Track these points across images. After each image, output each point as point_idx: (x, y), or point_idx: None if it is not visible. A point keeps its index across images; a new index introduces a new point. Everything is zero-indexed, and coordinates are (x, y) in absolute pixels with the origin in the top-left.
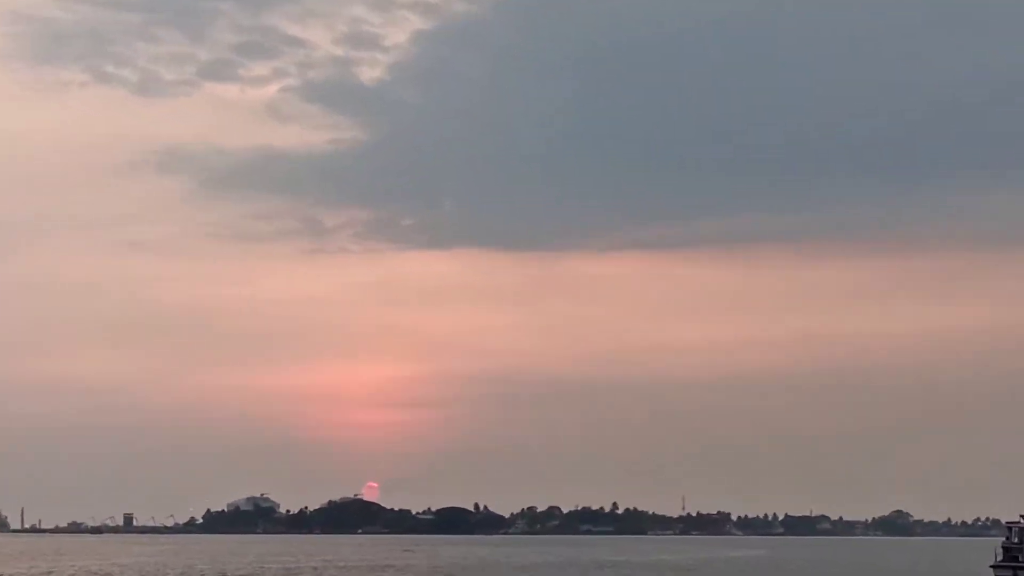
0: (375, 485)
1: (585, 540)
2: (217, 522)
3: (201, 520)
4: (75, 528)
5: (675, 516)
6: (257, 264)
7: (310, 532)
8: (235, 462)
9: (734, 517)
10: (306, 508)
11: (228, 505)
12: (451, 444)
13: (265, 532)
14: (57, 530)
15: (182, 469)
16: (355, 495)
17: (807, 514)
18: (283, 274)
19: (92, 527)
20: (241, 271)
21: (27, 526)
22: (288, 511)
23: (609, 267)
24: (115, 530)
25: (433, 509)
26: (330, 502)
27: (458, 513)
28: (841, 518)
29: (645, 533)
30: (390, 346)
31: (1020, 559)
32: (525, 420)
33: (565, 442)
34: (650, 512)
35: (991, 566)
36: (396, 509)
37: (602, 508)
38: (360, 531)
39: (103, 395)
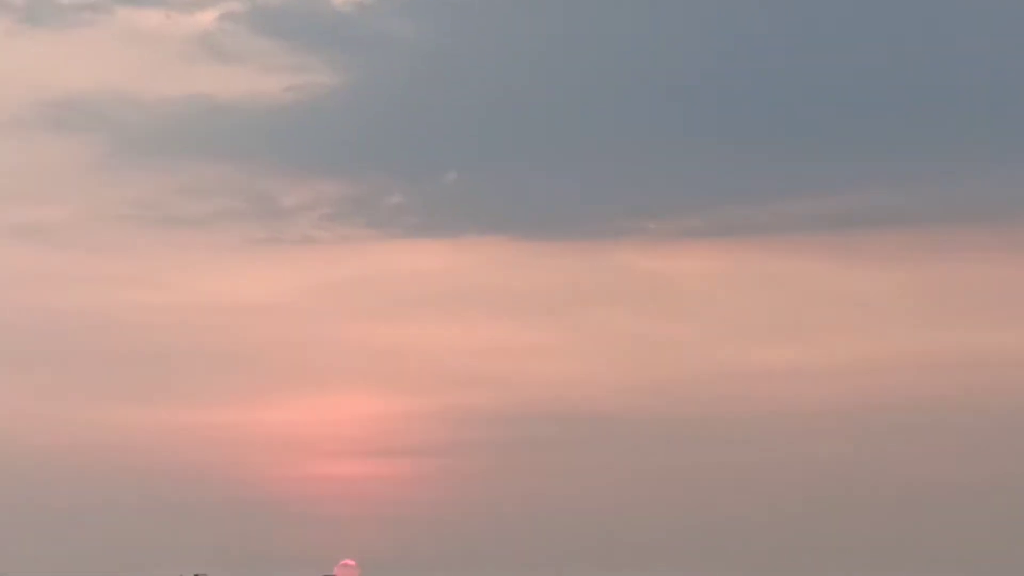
0: (352, 563)
1: None
2: None
3: None
4: None
5: None
6: (188, 258)
7: None
8: (152, 530)
9: None
10: None
11: None
12: (459, 507)
13: None
14: None
15: (73, 540)
16: None
17: None
18: (224, 272)
19: None
20: (166, 268)
21: None
22: None
23: (674, 262)
24: None
25: None
26: None
27: None
28: None
29: None
30: (372, 372)
31: None
32: (561, 473)
33: (617, 502)
34: None
35: None
36: None
37: None
38: None
39: None
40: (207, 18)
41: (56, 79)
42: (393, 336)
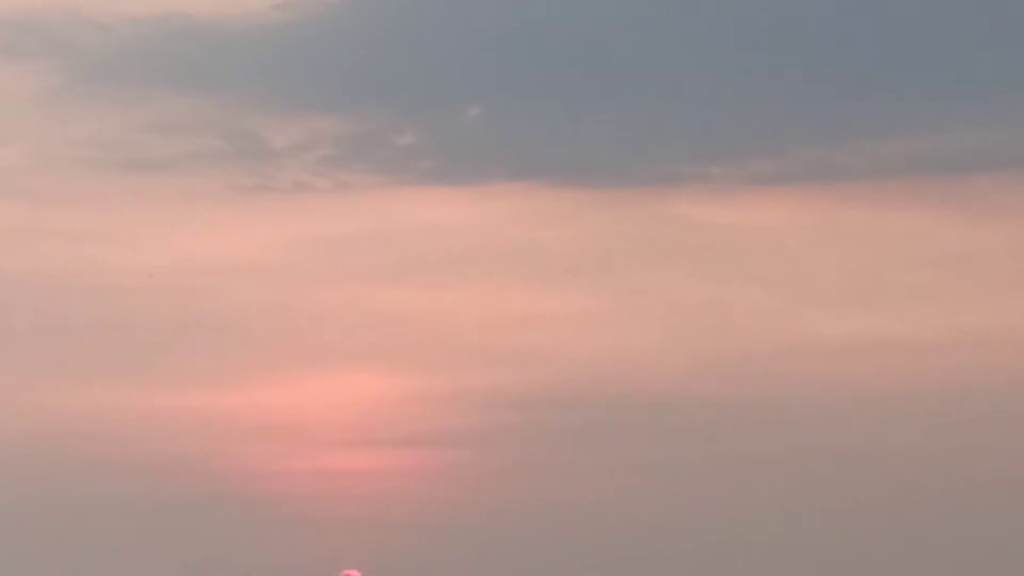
0: (356, 574)
1: None
2: None
3: None
4: None
5: None
6: (158, 210)
7: None
8: (116, 537)
9: None
10: None
11: None
12: (481, 509)
13: None
14: None
15: (20, 549)
16: None
17: None
18: (201, 226)
19: None
20: (132, 221)
21: None
22: None
23: (742, 213)
24: None
25: None
26: None
27: None
28: None
29: None
30: (379, 346)
31: None
32: (606, 469)
33: (673, 502)
34: None
35: None
36: None
37: None
38: None
39: None
40: None
41: None
42: (404, 303)
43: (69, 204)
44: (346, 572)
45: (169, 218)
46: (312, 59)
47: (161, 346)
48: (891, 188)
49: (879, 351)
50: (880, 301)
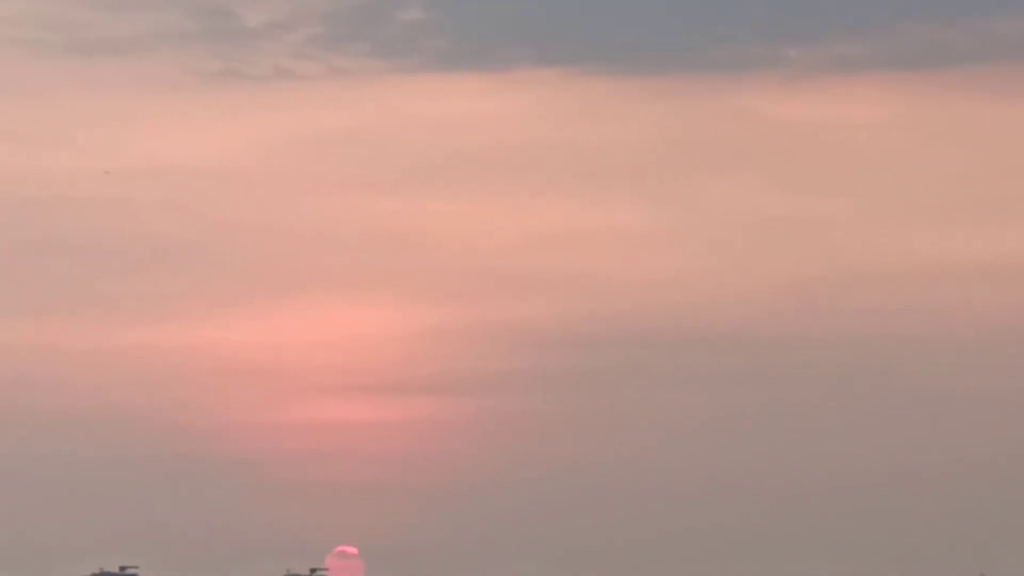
0: (352, 551)
1: None
2: None
3: None
4: None
5: None
6: (110, 103)
7: None
8: (69, 506)
9: None
10: None
11: None
12: (503, 467)
13: None
14: None
15: None
16: (312, 571)
17: None
18: (162, 122)
19: None
20: (79, 117)
21: None
22: None
23: (824, 108)
24: None
25: None
26: None
27: None
28: None
29: None
30: (380, 270)
31: None
32: (657, 418)
33: (736, 460)
34: None
35: None
36: None
37: None
38: None
39: None
40: None
41: None
42: (410, 217)
43: (2, 96)
44: (340, 548)
45: (123, 113)
46: None
47: (118, 271)
48: (1014, 75)
49: (998, 276)
50: (999, 214)
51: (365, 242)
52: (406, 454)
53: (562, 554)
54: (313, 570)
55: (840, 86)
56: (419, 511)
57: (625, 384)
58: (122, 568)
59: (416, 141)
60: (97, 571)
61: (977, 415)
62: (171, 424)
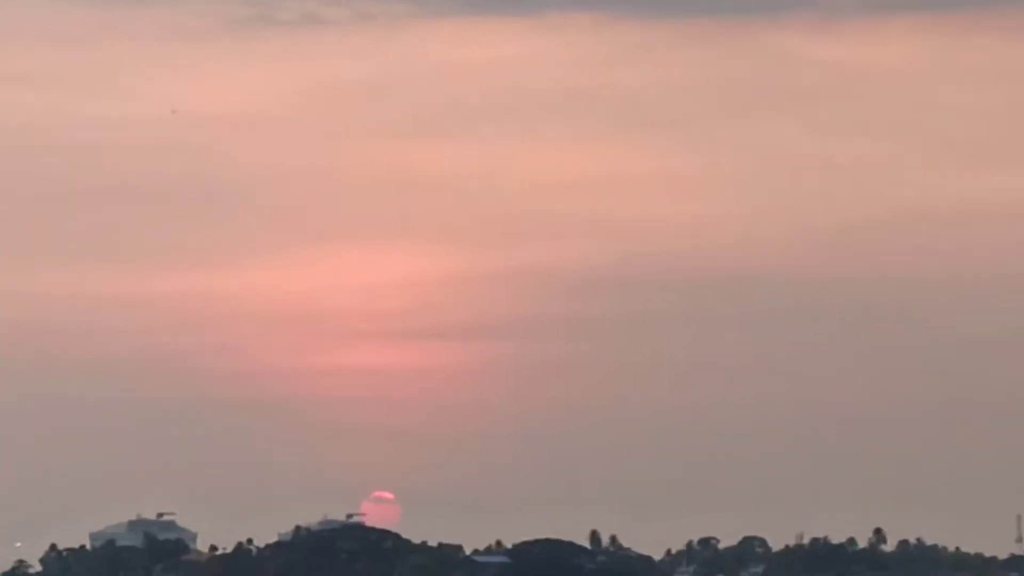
0: (388, 496)
1: None
2: (71, 571)
3: (38, 568)
4: None
5: (1005, 556)
6: (137, 49)
7: None
8: (103, 452)
9: None
10: (248, 542)
11: (93, 537)
12: (542, 415)
13: None
14: None
15: None
16: (349, 517)
17: None
18: (190, 70)
19: None
20: (111, 64)
21: None
22: (213, 547)
23: (861, 49)
24: None
25: (509, 545)
26: (297, 530)
27: (558, 553)
28: None
29: None
30: (410, 215)
31: None
32: (688, 362)
33: (777, 408)
34: (951, 548)
35: None
36: (434, 545)
37: (852, 540)
38: None
39: None
40: None
41: None
42: (440, 163)
43: (27, 42)
44: (377, 494)
45: (150, 60)
46: None
47: (148, 219)
48: None
49: None
50: None
51: (393, 189)
52: (440, 399)
53: (591, 494)
54: (349, 515)
55: (873, 27)
56: (453, 456)
57: (654, 327)
58: (159, 515)
59: (445, 87)
60: (135, 518)
61: (1011, 354)
62: (205, 370)
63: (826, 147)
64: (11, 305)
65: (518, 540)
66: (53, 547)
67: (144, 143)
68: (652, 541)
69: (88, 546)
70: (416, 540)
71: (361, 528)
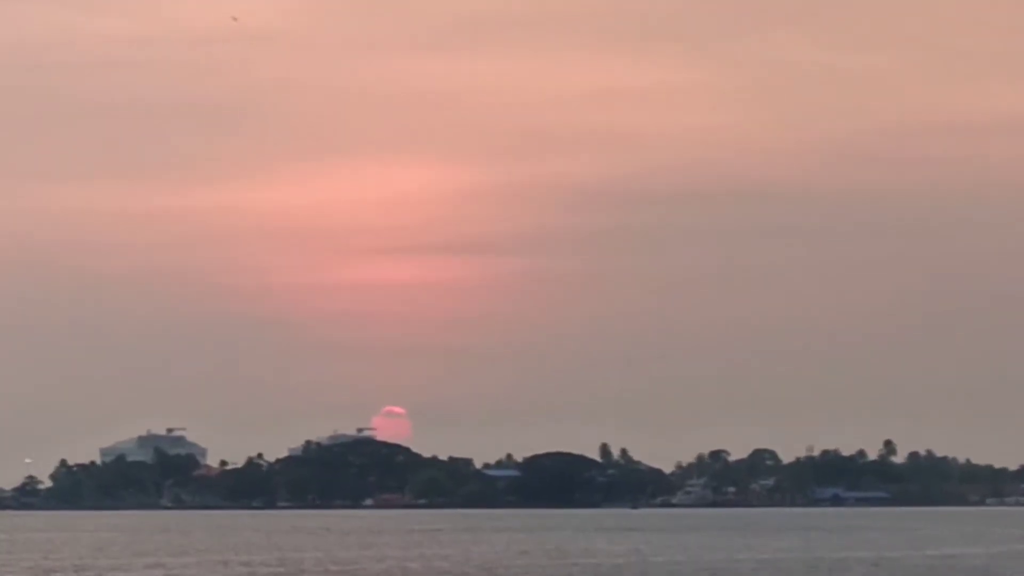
0: (399, 410)
1: (838, 516)
2: (82, 486)
3: (48, 484)
4: None
5: (1015, 468)
6: None
7: (268, 503)
8: (112, 368)
9: None
10: (259, 456)
11: (103, 452)
12: (553, 329)
13: (177, 503)
14: None
15: (4, 383)
16: (359, 431)
17: None
18: None
19: None
20: None
21: None
22: (223, 462)
23: None
24: None
25: (519, 458)
26: (307, 444)
27: (569, 466)
28: None
29: (960, 502)
30: (422, 128)
31: None
32: (699, 274)
33: (787, 321)
34: (961, 459)
35: None
36: (444, 459)
37: (862, 452)
38: (370, 501)
39: None
40: None
41: None
42: (452, 75)
43: None
44: (388, 408)
45: None
46: None
47: (155, 134)
48: None
49: None
50: None
51: (407, 101)
52: (451, 314)
53: (602, 408)
54: (360, 429)
55: None
56: (463, 370)
57: (664, 240)
58: (169, 430)
59: (459, 0)
60: (145, 433)
61: (1018, 266)
62: (216, 285)
63: (833, 59)
64: (22, 220)
65: (529, 454)
66: (63, 463)
67: (156, 59)
68: (662, 454)
69: (98, 461)
70: (427, 454)
71: (372, 442)
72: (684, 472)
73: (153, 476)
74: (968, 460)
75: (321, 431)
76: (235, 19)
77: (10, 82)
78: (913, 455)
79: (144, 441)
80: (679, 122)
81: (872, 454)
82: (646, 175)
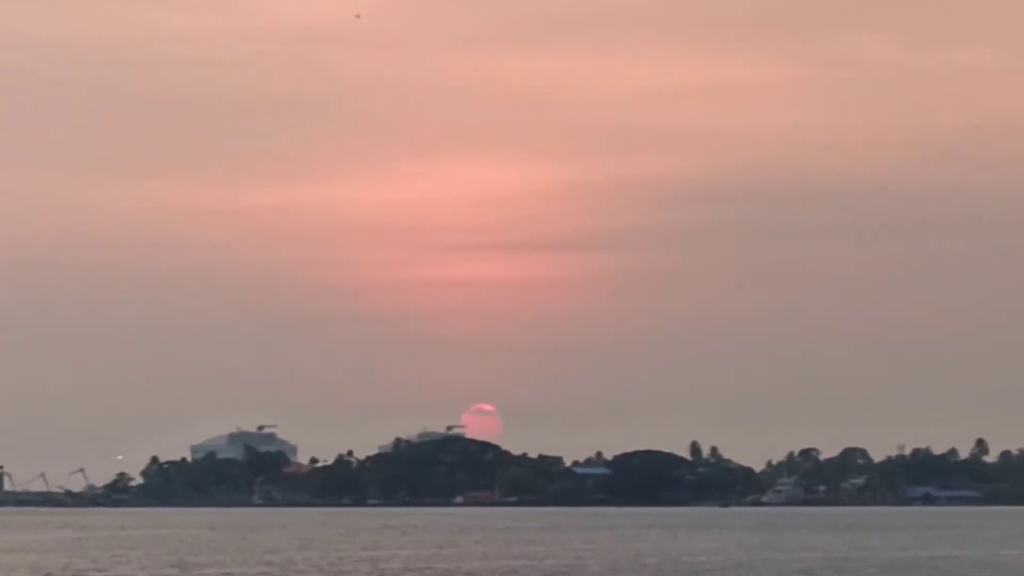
0: (489, 408)
1: (931, 516)
2: (172, 483)
3: (139, 480)
4: None
5: None
6: None
7: (358, 500)
8: (203, 365)
9: None
10: (349, 454)
11: (194, 449)
12: (642, 327)
13: (267, 500)
14: None
15: (96, 381)
16: (449, 429)
17: None
18: None
19: None
20: None
21: None
22: (313, 459)
23: None
24: None
25: (609, 457)
26: (397, 442)
27: (658, 464)
28: None
29: None
30: (510, 127)
31: None
32: (793, 272)
33: (879, 318)
34: None
35: None
36: (533, 457)
37: (954, 451)
38: (459, 499)
39: None
40: None
41: None
42: (541, 73)
43: None
44: (478, 406)
45: None
46: None
47: (244, 131)
48: None
49: None
50: None
51: (496, 99)
52: (541, 312)
53: (692, 406)
54: (450, 427)
55: None
56: (553, 368)
57: (754, 238)
58: (260, 427)
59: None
60: (235, 430)
61: None
62: (305, 283)
63: (918, 56)
64: (118, 218)
65: (618, 452)
66: (154, 460)
67: (241, 56)
68: (753, 452)
69: (189, 458)
70: (516, 452)
71: (461, 440)
72: (774, 470)
73: (243, 473)
74: None
75: (411, 429)
76: (358, 16)
77: (87, 79)
78: (1005, 454)
79: (235, 438)
80: (768, 120)
81: (964, 453)
82: (735, 172)
